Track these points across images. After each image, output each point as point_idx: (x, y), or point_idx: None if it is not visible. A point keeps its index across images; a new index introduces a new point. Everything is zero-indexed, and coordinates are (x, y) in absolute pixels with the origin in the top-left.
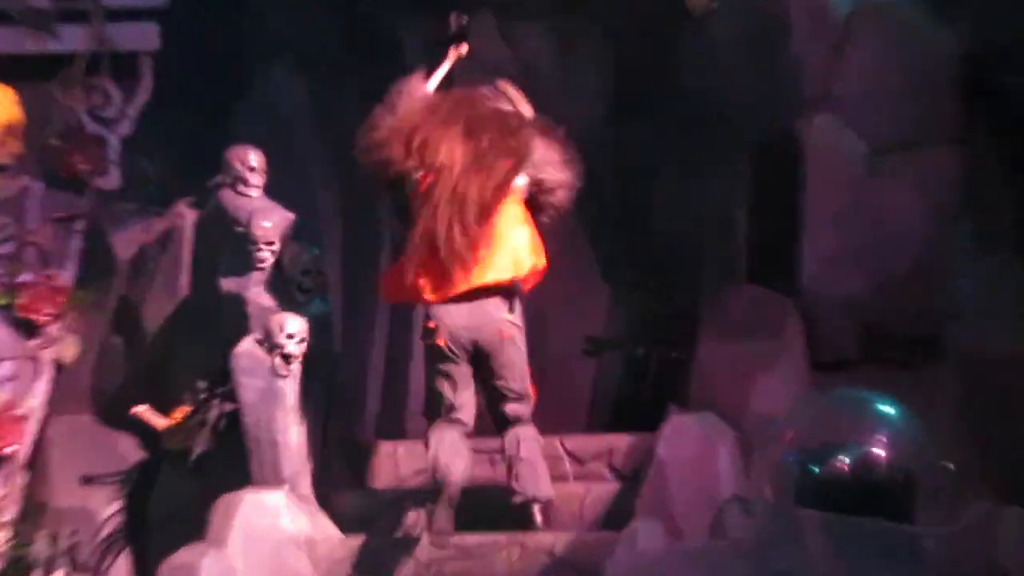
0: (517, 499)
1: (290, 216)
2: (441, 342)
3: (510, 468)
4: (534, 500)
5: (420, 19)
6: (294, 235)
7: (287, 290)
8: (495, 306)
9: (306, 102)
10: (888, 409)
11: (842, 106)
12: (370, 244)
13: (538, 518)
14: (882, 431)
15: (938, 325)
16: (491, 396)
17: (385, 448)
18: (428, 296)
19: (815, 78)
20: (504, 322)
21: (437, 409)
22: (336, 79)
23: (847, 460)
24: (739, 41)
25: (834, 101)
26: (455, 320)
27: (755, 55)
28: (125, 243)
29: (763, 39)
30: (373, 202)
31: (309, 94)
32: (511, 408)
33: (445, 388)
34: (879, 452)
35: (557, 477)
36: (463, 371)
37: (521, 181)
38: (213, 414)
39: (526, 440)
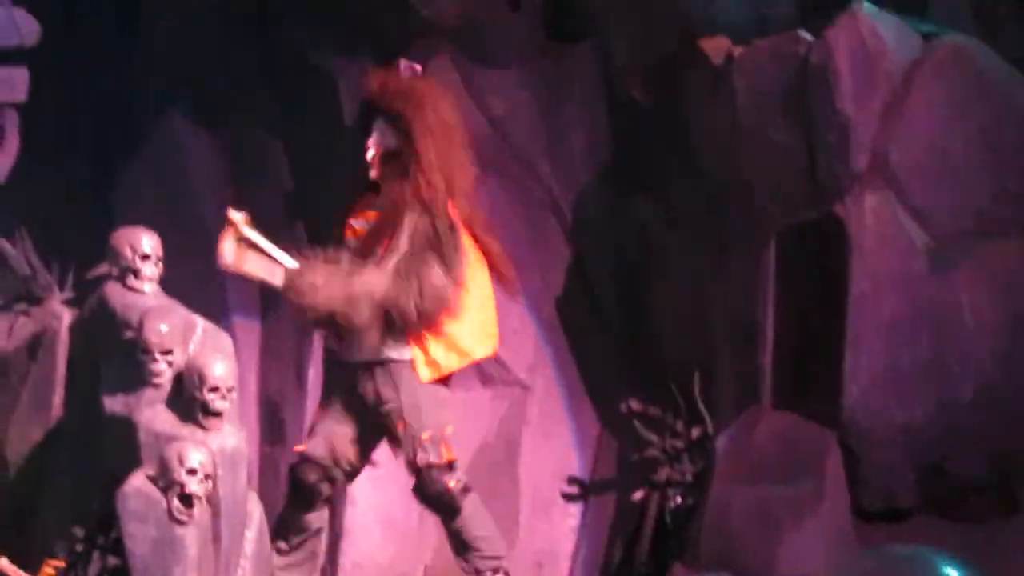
0: None
1: (194, 318)
2: None
3: None
4: None
5: (356, 61)
6: (198, 340)
7: (189, 412)
8: None
9: (215, 162)
10: (952, 572)
11: (898, 182)
12: (296, 348)
13: None
14: None
15: (1017, 466)
16: None
17: None
18: None
19: (865, 145)
20: None
21: None
22: (254, 129)
23: None
24: (769, 96)
25: (888, 175)
26: None
27: (788, 114)
28: None
29: (799, 94)
30: None
31: (218, 149)
32: None
33: None
34: None
35: None
36: None
37: None
38: (93, 570)
39: None
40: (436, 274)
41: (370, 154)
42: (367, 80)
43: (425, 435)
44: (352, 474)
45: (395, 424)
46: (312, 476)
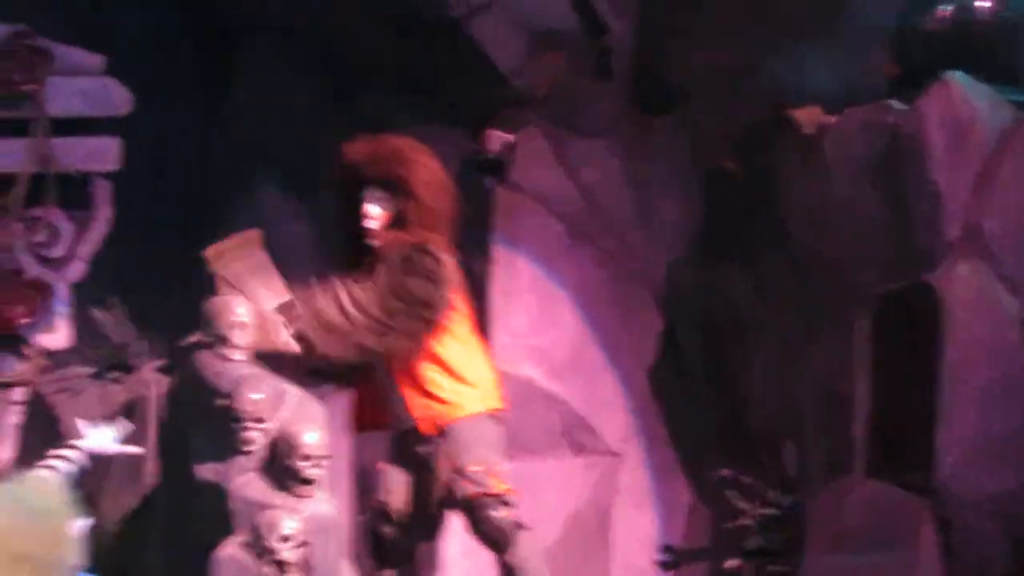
0: None
1: (285, 387)
2: None
3: None
4: None
5: (446, 131)
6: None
7: (281, 480)
8: None
9: (302, 232)
10: None
11: (991, 252)
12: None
13: None
14: None
15: None
16: None
17: None
18: None
19: (957, 214)
20: None
21: None
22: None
23: None
24: (860, 165)
25: (981, 245)
26: None
27: (880, 183)
28: (75, 417)
29: (890, 163)
30: None
31: (304, 220)
32: None
33: None
34: None
35: None
36: None
37: None
38: None
39: None
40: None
41: (374, 224)
42: (347, 151)
43: (472, 468)
44: (430, 526)
45: (437, 465)
46: (389, 530)
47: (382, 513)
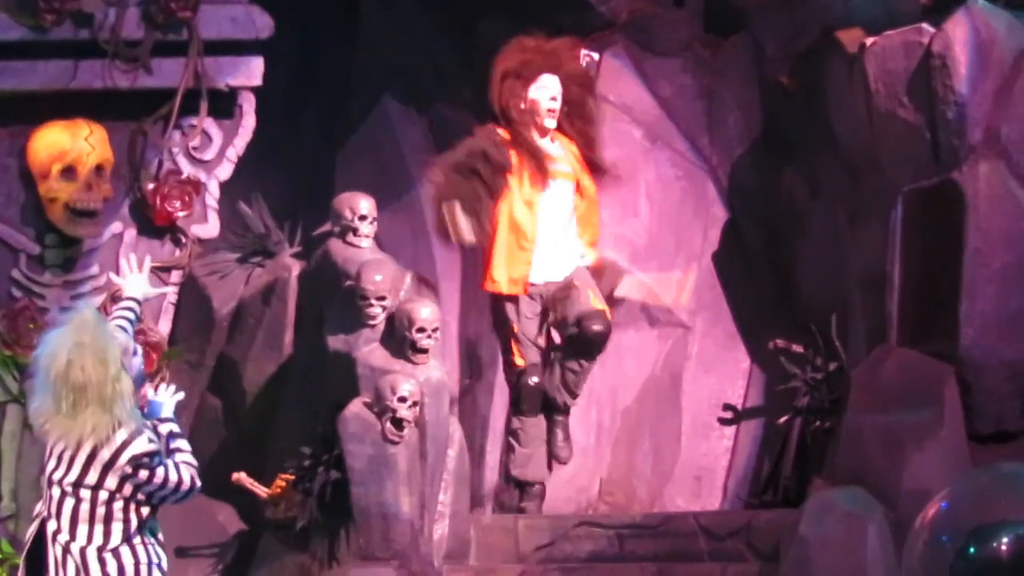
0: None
1: (403, 270)
2: None
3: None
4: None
5: None
6: (407, 288)
7: (400, 349)
8: None
9: (423, 139)
10: None
11: (1008, 153)
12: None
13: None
14: None
15: None
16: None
17: (504, 523)
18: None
19: (979, 122)
20: None
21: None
22: (455, 112)
23: (1007, 542)
24: (896, 80)
25: (999, 147)
26: None
27: (913, 96)
28: (224, 296)
29: (922, 78)
30: None
31: (426, 130)
32: None
33: None
34: None
35: (690, 555)
36: None
37: None
38: (318, 483)
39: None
40: None
41: (556, 105)
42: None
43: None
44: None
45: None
46: (534, 378)
47: (528, 369)
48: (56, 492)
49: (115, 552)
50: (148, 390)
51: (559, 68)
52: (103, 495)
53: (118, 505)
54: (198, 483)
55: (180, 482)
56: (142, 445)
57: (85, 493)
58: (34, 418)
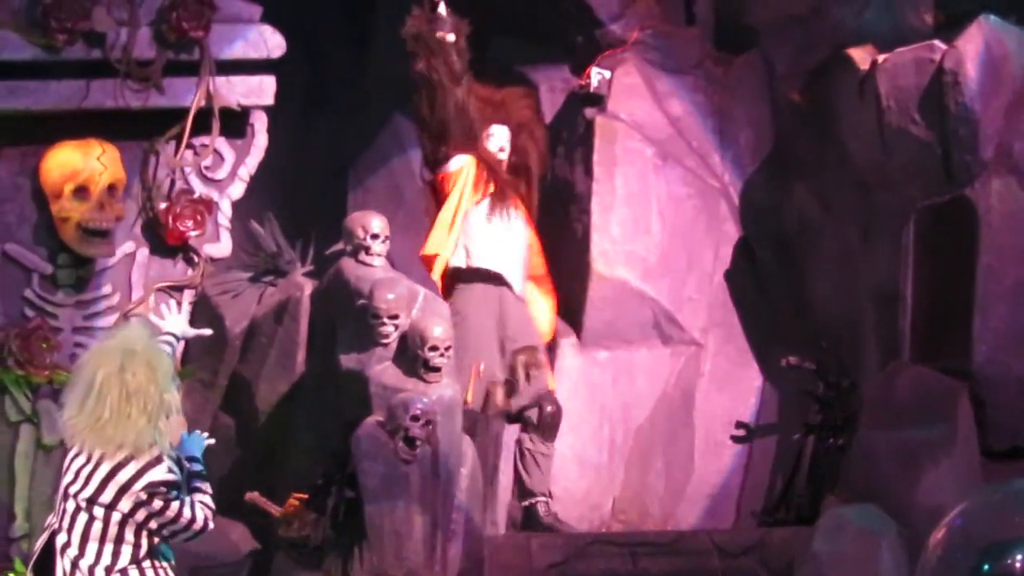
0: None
1: (416, 288)
2: None
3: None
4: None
5: (555, 70)
6: (419, 307)
7: (412, 368)
8: None
9: None
10: None
11: (1021, 169)
12: None
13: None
14: None
15: None
16: None
17: (517, 541)
18: None
19: (991, 138)
20: None
21: None
22: None
23: (1021, 559)
24: (908, 97)
25: (1012, 163)
26: None
27: (925, 112)
28: (236, 315)
29: (934, 94)
30: None
31: None
32: None
33: None
34: None
35: (704, 573)
36: None
37: None
38: (331, 501)
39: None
40: None
41: (504, 156)
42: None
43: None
44: None
45: None
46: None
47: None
48: (71, 506)
49: (123, 573)
50: (182, 428)
51: (509, 119)
52: (116, 516)
53: (130, 528)
54: (211, 525)
55: (193, 520)
56: (161, 473)
57: (99, 511)
58: (68, 427)
